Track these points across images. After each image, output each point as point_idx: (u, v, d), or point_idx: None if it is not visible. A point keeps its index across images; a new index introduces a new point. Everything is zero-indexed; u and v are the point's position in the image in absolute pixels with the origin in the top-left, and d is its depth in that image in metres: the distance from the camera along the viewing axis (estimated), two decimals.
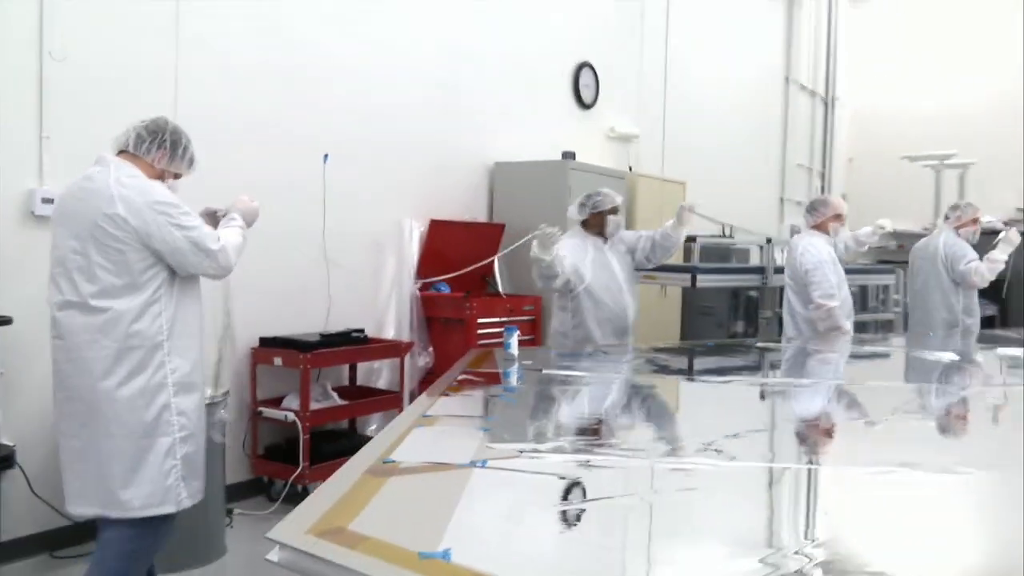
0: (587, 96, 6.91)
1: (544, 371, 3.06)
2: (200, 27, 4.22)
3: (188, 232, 2.64)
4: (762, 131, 9.78)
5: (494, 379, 2.90)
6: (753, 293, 7.06)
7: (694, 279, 5.73)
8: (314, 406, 4.42)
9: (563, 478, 1.70)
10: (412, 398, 5.25)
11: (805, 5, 10.39)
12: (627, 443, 2.04)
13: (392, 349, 4.97)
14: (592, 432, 2.15)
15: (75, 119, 3.75)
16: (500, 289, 5.90)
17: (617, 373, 3.37)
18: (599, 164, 6.42)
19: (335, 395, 4.68)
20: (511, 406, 2.38)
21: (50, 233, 2.73)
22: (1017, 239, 5.48)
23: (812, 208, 4.93)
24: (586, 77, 6.89)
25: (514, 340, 3.23)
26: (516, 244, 4.20)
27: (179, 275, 2.71)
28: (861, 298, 6.67)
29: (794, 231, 4.50)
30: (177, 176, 2.86)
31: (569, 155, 6.02)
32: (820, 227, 4.84)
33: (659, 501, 1.61)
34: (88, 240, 2.57)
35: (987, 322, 6.77)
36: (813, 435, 2.38)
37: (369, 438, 4.98)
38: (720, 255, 7.39)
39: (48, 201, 3.61)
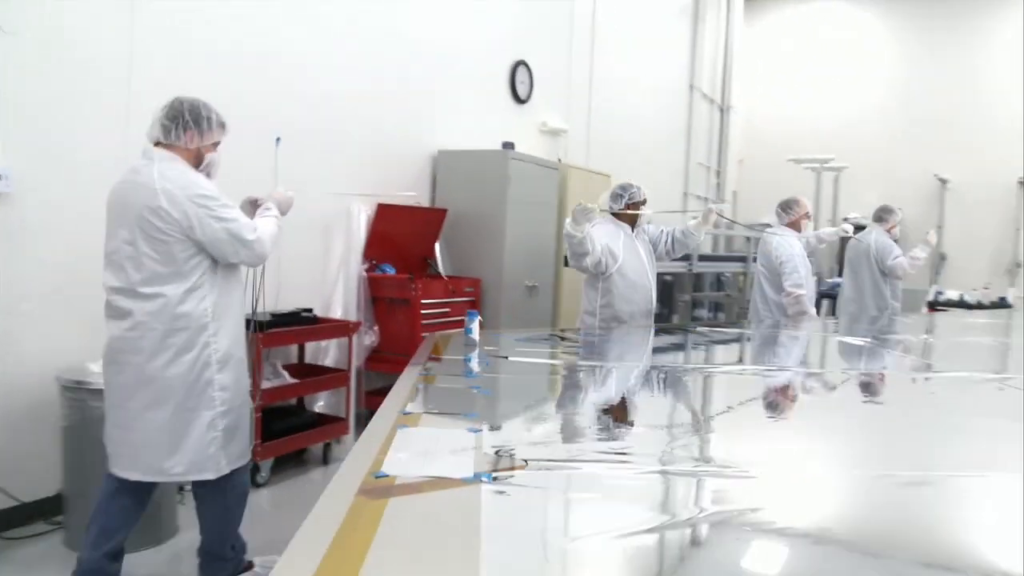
0: (523, 92, 6.51)
1: (511, 358, 2.68)
2: (157, 6, 3.66)
3: (227, 224, 2.52)
4: (670, 131, 9.61)
5: (461, 368, 2.50)
6: (668, 277, 6.85)
7: None
8: (265, 385, 3.92)
9: (588, 497, 1.34)
10: (359, 376, 4.82)
11: (708, 21, 10.23)
12: (635, 447, 1.68)
13: (341, 329, 4.49)
14: (593, 432, 1.79)
15: (27, 95, 3.20)
16: (440, 271, 5.51)
17: (586, 360, 2.99)
18: (534, 155, 6.05)
19: (285, 374, 4.19)
20: (490, 399, 1.99)
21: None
22: (934, 241, 5.86)
23: (787, 207, 4.98)
24: (522, 75, 6.49)
25: (475, 325, 2.83)
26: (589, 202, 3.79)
27: (220, 262, 2.59)
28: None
29: (766, 227, 4.79)
30: (216, 144, 2.68)
31: (508, 145, 5.63)
32: (793, 224, 4.94)
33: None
34: (136, 231, 2.46)
35: None
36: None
37: (318, 415, 4.54)
38: None
39: None
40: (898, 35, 10.88)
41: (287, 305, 4.30)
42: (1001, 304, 7.69)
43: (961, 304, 7.81)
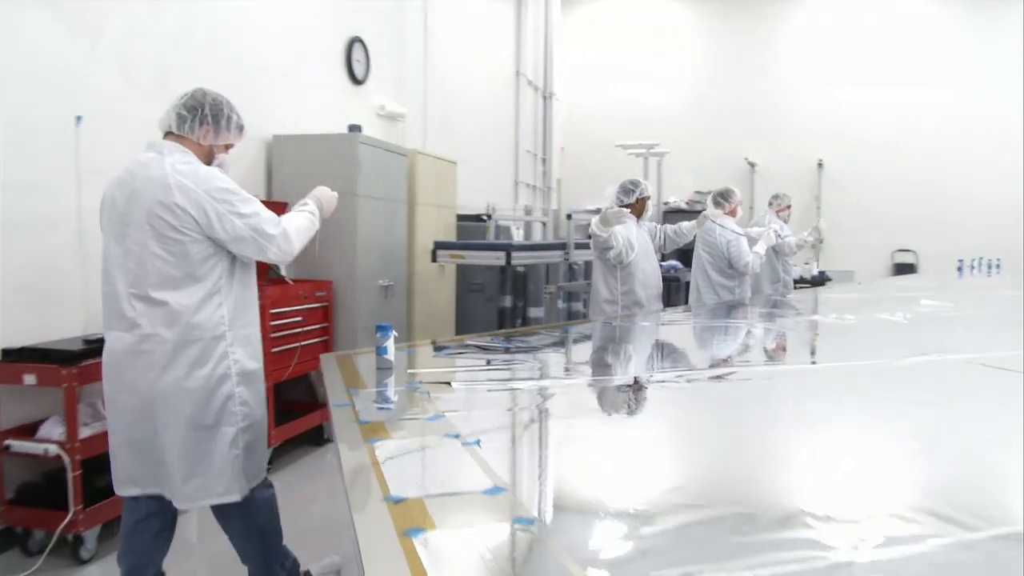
0: (359, 71, 5.81)
1: (455, 385, 2.08)
2: None
3: (248, 219, 2.27)
4: (501, 118, 9.27)
5: (386, 401, 1.89)
6: (521, 268, 6.45)
7: (508, 256, 4.97)
8: (84, 432, 3.05)
9: None
10: None
11: (530, 7, 9.97)
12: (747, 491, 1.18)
13: None
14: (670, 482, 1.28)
15: None
16: (284, 274, 4.73)
17: (563, 377, 2.41)
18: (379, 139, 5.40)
19: None
20: (480, 452, 1.42)
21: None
22: (824, 227, 6.37)
23: (726, 197, 5.16)
24: (358, 52, 5.79)
25: (391, 343, 2.21)
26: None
27: (238, 263, 2.35)
28: None
29: (706, 216, 4.91)
30: (229, 147, 2.42)
31: (356, 128, 4.95)
32: (731, 212, 5.17)
33: None
34: (146, 229, 2.22)
35: None
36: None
37: None
38: (479, 233, 6.68)
39: None
40: (706, 25, 11.23)
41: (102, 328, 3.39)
42: (822, 279, 8.06)
43: None
